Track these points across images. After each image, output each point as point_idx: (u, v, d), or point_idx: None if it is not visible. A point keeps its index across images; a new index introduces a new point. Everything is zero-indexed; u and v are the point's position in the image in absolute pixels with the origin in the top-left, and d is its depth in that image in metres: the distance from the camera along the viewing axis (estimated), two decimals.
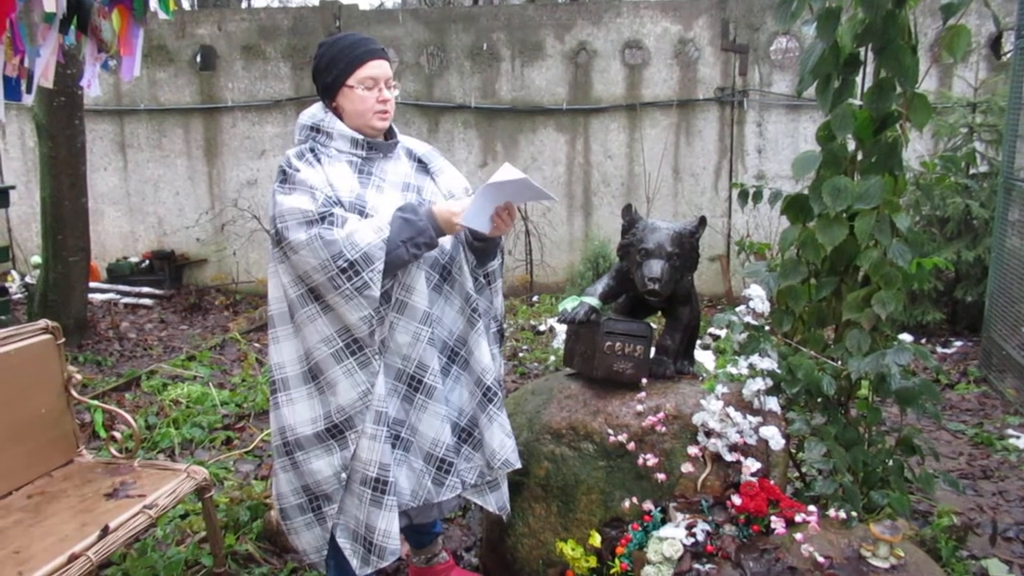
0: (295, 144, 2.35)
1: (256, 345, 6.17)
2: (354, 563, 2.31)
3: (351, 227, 2.15)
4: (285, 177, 2.22)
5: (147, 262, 8.08)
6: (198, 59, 7.97)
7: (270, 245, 2.31)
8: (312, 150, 2.29)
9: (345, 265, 2.12)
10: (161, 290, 7.85)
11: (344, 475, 2.28)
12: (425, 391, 2.31)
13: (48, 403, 2.76)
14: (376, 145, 2.36)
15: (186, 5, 13.70)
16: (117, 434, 2.96)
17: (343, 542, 2.33)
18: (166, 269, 8.03)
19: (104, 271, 8.12)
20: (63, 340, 2.85)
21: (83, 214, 6.05)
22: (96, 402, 3.21)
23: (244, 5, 14.91)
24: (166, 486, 2.62)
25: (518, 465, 2.46)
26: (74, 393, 2.86)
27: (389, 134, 2.45)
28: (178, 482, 2.65)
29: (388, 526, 2.25)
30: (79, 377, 2.90)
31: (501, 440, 2.41)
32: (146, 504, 2.50)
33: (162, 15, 3.85)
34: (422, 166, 2.48)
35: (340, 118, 2.33)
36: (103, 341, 6.26)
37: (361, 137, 2.32)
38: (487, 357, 2.40)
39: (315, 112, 2.35)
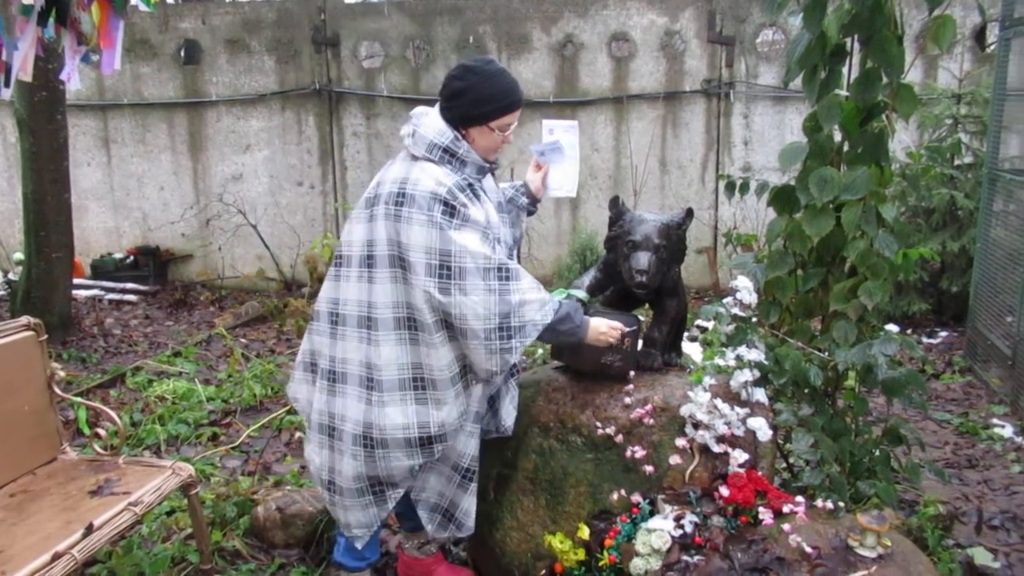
0: (419, 157, 2.34)
1: (242, 340, 6.13)
2: (429, 528, 2.56)
3: (523, 293, 2.27)
4: (453, 211, 2.25)
5: (132, 258, 8.01)
6: (182, 53, 7.89)
7: (385, 251, 2.30)
8: (471, 186, 2.34)
9: (503, 325, 2.25)
10: (146, 286, 7.78)
11: (417, 469, 2.43)
12: (494, 382, 2.52)
13: (31, 400, 2.73)
14: (491, 171, 2.50)
15: None
16: (101, 431, 2.94)
17: (423, 513, 2.55)
18: (151, 265, 7.96)
19: (88, 267, 8.05)
20: (46, 337, 2.82)
21: (66, 210, 5.99)
22: (80, 399, 3.18)
23: None
24: (151, 483, 2.59)
25: (510, 433, 2.64)
26: (57, 390, 2.83)
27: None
28: (163, 479, 2.63)
29: (470, 506, 2.53)
30: (62, 374, 2.87)
31: (510, 411, 2.61)
32: (131, 501, 2.48)
33: (143, 7, 3.81)
34: (492, 174, 2.56)
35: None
36: (87, 338, 6.21)
37: (487, 166, 2.43)
38: None
39: (445, 131, 2.34)
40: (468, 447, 2.47)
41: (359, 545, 2.57)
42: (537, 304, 2.29)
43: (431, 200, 2.24)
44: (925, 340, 5.80)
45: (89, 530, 2.30)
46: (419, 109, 2.43)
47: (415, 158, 2.35)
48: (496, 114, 2.34)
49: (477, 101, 2.32)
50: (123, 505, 2.45)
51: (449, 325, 2.30)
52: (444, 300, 2.24)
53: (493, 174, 2.56)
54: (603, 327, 2.43)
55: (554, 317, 2.31)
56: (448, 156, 2.33)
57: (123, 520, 2.41)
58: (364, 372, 2.38)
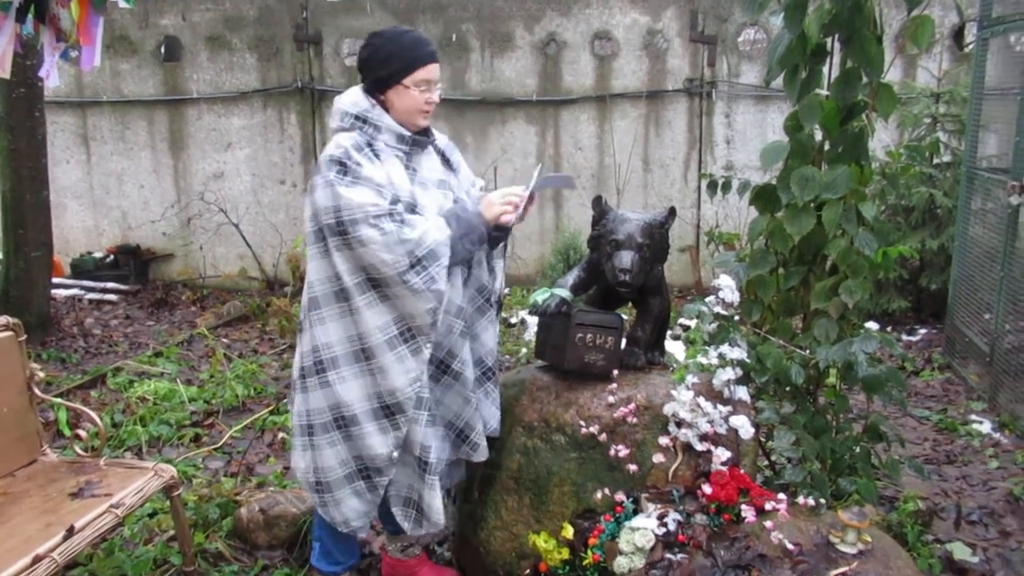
0: (336, 129, 2.38)
1: (224, 340, 6.09)
2: (406, 525, 2.50)
3: (418, 226, 2.26)
4: (345, 169, 2.25)
5: (112, 257, 7.93)
6: (162, 50, 7.82)
7: (310, 227, 2.33)
8: (369, 144, 2.32)
9: (415, 261, 2.23)
10: (126, 285, 7.71)
11: (396, 455, 2.40)
12: (452, 375, 2.48)
13: (10, 402, 2.71)
14: (417, 141, 2.42)
15: None
16: (82, 432, 2.91)
17: (396, 510, 2.50)
18: (131, 264, 7.88)
19: (68, 266, 7.96)
20: (24, 337, 2.79)
21: (45, 208, 5.92)
22: (60, 400, 3.16)
23: None
24: (133, 485, 2.57)
25: (497, 433, 2.61)
26: (37, 391, 2.80)
27: (425, 130, 2.49)
28: (145, 480, 2.61)
29: (431, 500, 2.43)
30: (42, 375, 2.84)
31: (492, 412, 2.60)
32: (112, 503, 2.46)
33: (123, 3, 3.77)
34: (446, 160, 2.55)
35: (386, 111, 2.36)
36: (67, 338, 6.15)
37: (409, 134, 2.39)
38: (493, 342, 2.60)
39: (359, 101, 2.37)
40: (415, 435, 2.39)
41: (362, 535, 2.57)
42: (434, 228, 2.28)
43: (329, 163, 2.27)
44: (905, 337, 5.86)
45: (70, 532, 2.28)
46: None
47: (335, 131, 2.38)
48: (405, 71, 2.33)
49: (384, 61, 2.33)
50: (104, 507, 2.43)
51: (375, 285, 2.29)
52: (353, 255, 2.26)
53: (448, 162, 2.54)
54: (494, 201, 2.42)
55: (451, 230, 2.31)
56: (360, 122, 2.34)
57: (104, 522, 2.39)
58: (316, 357, 2.38)
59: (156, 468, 2.68)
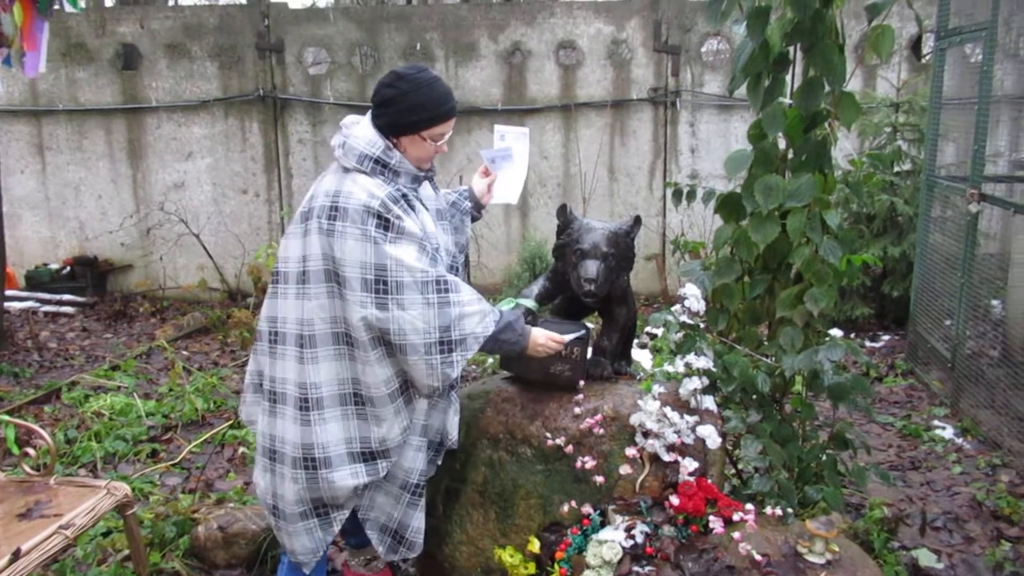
0: (350, 168, 2.27)
1: (184, 353, 5.97)
2: (380, 550, 2.48)
3: (463, 306, 2.24)
4: (387, 224, 2.19)
5: (68, 268, 7.74)
6: (120, 58, 7.68)
7: (318, 266, 2.24)
8: (404, 196, 2.27)
9: (445, 339, 2.21)
10: (83, 297, 7.53)
11: (362, 488, 2.38)
12: (444, 394, 2.49)
13: None
14: (424, 178, 2.43)
15: (108, 2, 13.22)
16: (31, 450, 2.81)
17: (372, 534, 2.47)
18: (88, 276, 7.70)
19: (22, 278, 7.76)
20: None
21: None
22: (7, 417, 3.04)
23: (170, 3, 14.48)
24: (85, 504, 2.48)
25: (456, 445, 2.60)
26: None
27: None
28: (97, 499, 2.52)
29: (420, 524, 2.47)
30: None
31: (454, 421, 2.56)
32: (62, 524, 2.36)
33: (69, 8, 3.67)
34: (430, 181, 2.52)
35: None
36: (21, 352, 5.98)
37: (422, 175, 2.37)
38: None
39: (376, 141, 2.28)
40: (416, 462, 2.41)
41: (306, 571, 2.48)
42: (478, 316, 2.26)
43: (364, 213, 2.18)
44: (868, 344, 5.92)
45: (16, 556, 2.18)
46: (350, 118, 2.37)
47: (347, 170, 2.29)
48: (426, 124, 2.28)
49: (407, 110, 2.26)
50: (54, 528, 2.34)
51: (386, 342, 2.24)
52: (382, 316, 2.18)
53: (432, 181, 2.51)
54: (542, 339, 2.40)
55: (495, 328, 2.28)
56: (380, 167, 2.27)
57: (54, 544, 2.30)
58: (300, 393, 2.30)
59: (109, 486, 2.58)
